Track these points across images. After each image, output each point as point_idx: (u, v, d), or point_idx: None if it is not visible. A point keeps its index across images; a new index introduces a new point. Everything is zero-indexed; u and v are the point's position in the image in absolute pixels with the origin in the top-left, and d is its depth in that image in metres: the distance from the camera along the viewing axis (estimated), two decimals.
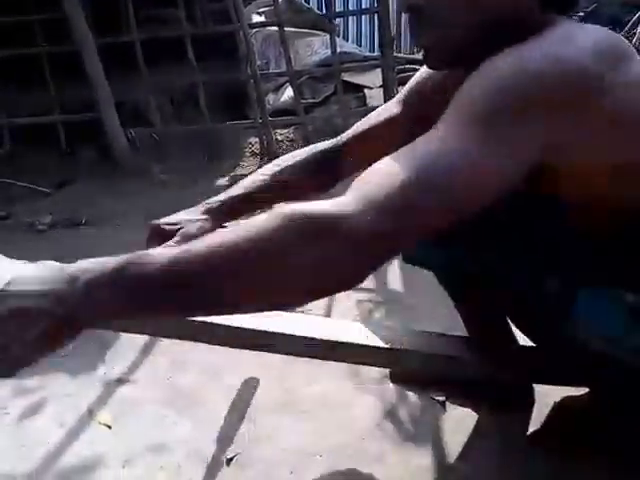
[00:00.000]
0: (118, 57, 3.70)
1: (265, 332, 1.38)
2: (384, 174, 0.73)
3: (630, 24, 3.94)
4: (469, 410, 1.47)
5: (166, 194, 3.38)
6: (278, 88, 4.31)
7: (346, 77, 4.04)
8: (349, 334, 1.46)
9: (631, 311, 0.93)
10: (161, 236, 1.21)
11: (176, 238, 1.19)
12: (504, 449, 1.34)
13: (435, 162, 0.73)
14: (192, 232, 1.20)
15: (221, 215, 1.27)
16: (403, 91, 1.30)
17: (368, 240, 0.69)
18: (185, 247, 0.71)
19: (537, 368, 1.41)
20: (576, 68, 0.77)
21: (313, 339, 1.39)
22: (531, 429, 1.40)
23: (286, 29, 3.87)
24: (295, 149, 3.64)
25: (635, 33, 3.81)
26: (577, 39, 0.81)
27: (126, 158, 3.75)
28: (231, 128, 3.81)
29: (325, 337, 1.40)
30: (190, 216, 1.26)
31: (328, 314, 1.99)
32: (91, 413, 1.60)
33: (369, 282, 2.20)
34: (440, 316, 1.71)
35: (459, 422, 1.44)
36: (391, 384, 1.58)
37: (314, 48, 4.35)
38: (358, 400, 1.53)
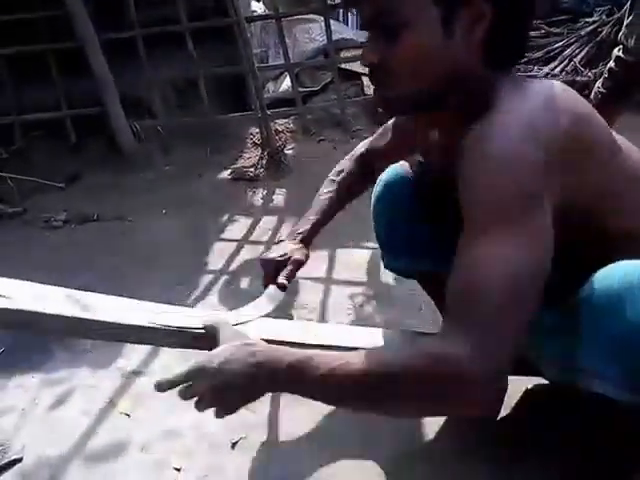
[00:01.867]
0: (120, 50, 3.82)
1: None
2: (482, 305, 0.87)
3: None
4: None
5: (172, 187, 3.52)
6: (277, 77, 4.41)
7: (344, 64, 4.14)
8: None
9: (546, 327, 1.06)
10: (274, 267, 1.45)
11: (290, 266, 1.44)
12: (477, 434, 1.49)
13: (510, 284, 0.87)
14: (300, 259, 1.46)
15: (311, 240, 1.53)
16: (385, 126, 1.53)
17: (493, 378, 0.87)
18: (345, 363, 0.93)
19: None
20: (545, 133, 0.92)
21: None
22: (502, 414, 1.50)
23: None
24: (294, 139, 3.80)
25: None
26: (529, 103, 0.95)
27: (132, 151, 3.88)
28: (232, 120, 3.93)
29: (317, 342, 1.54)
30: (290, 247, 1.48)
31: (322, 309, 2.17)
32: (112, 402, 1.79)
33: (361, 276, 2.38)
34: (429, 308, 1.86)
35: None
36: None
37: (312, 35, 4.43)
38: None
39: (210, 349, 1.06)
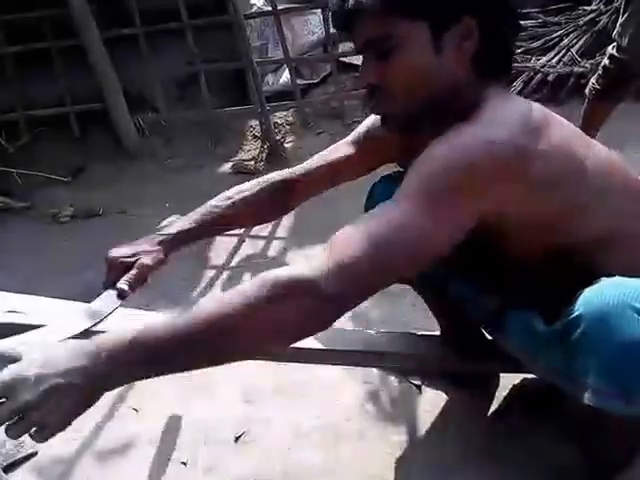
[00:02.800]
0: (122, 46, 3.88)
1: None
2: (354, 242, 0.94)
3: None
4: (442, 392, 1.69)
5: (174, 181, 3.59)
6: (277, 69, 4.44)
7: (342, 57, 4.18)
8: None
9: (541, 338, 1.13)
10: (120, 268, 1.37)
11: (134, 270, 1.35)
12: (470, 425, 1.58)
13: (392, 235, 0.95)
14: (148, 263, 1.37)
15: (172, 247, 1.44)
16: (356, 133, 1.49)
17: (336, 298, 0.92)
18: (186, 316, 0.91)
19: (502, 358, 1.62)
20: (500, 147, 0.96)
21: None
22: (493, 407, 1.62)
23: (283, 6, 4.04)
24: (294, 131, 3.86)
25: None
26: (503, 117, 1.01)
27: (135, 144, 3.96)
28: (232, 113, 3.99)
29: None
30: (144, 247, 1.40)
31: None
32: (121, 398, 1.88)
33: None
34: (421, 304, 1.94)
35: (433, 403, 1.66)
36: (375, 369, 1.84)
37: (311, 27, 4.47)
38: (345, 384, 1.77)
39: None
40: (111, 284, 1.36)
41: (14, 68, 3.93)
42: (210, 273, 2.60)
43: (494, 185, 0.98)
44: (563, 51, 4.15)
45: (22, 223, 3.35)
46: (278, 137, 3.79)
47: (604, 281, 1.00)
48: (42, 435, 0.85)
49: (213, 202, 1.50)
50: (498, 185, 0.98)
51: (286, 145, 3.80)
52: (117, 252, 1.38)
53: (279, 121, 4.05)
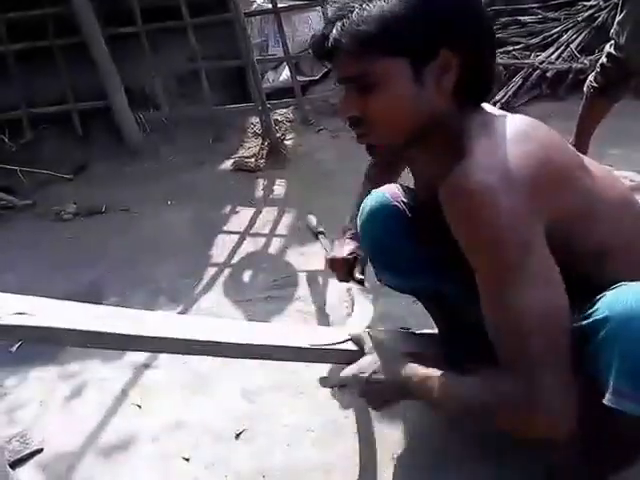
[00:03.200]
0: (124, 43, 3.90)
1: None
2: (536, 363, 1.02)
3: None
4: None
5: (176, 178, 3.62)
6: (277, 66, 4.46)
7: None
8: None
9: None
10: (344, 265, 1.71)
11: (358, 267, 1.70)
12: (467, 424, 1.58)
13: (544, 322, 1.01)
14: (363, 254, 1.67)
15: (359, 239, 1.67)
16: None
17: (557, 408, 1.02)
18: (468, 392, 1.14)
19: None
20: (517, 176, 1.00)
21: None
22: None
23: (283, 4, 4.05)
24: (294, 129, 3.87)
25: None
26: (503, 147, 1.04)
27: (136, 141, 3.97)
28: (233, 110, 4.02)
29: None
30: (350, 246, 1.72)
31: (323, 301, 2.28)
32: (124, 395, 1.92)
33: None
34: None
35: None
36: None
37: (311, 24, 4.48)
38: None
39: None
40: (346, 279, 1.73)
41: (17, 66, 3.93)
42: (212, 270, 2.63)
43: (534, 213, 1.02)
44: (562, 47, 4.15)
45: (25, 221, 3.37)
46: (278, 134, 3.80)
47: (626, 286, 1.03)
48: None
49: (364, 186, 1.70)
50: (536, 211, 1.03)
51: (286, 142, 3.82)
52: (338, 253, 1.73)
53: (279, 118, 4.06)
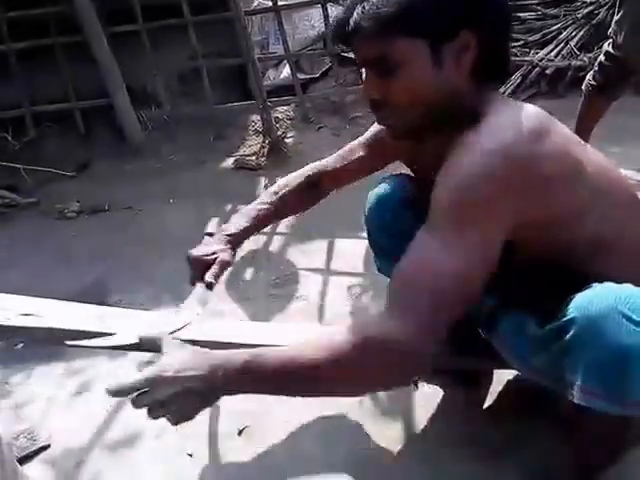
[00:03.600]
0: (125, 41, 3.94)
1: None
2: (415, 300, 1.05)
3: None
4: (437, 387, 1.77)
5: (177, 176, 3.66)
6: (278, 64, 4.49)
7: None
8: None
9: (532, 339, 1.19)
10: (203, 265, 1.51)
11: (216, 266, 1.50)
12: (465, 419, 1.66)
13: (445, 284, 1.04)
14: (227, 259, 1.52)
15: (238, 243, 1.58)
16: (367, 136, 1.61)
17: (417, 354, 1.04)
18: (292, 353, 1.08)
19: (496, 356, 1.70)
20: (514, 151, 1.03)
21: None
22: (488, 402, 1.70)
23: (283, 2, 4.08)
24: (294, 126, 3.90)
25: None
26: (509, 122, 1.06)
27: (138, 139, 4.01)
28: (234, 108, 4.05)
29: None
30: (218, 246, 1.53)
31: (322, 298, 2.32)
32: None
33: (358, 266, 2.52)
34: None
35: (428, 398, 1.74)
36: None
37: (312, 22, 4.51)
38: None
39: None
40: (198, 279, 1.50)
41: (20, 64, 3.96)
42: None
43: (517, 191, 1.04)
44: (561, 44, 4.19)
45: (29, 219, 3.40)
46: (279, 132, 3.84)
47: (596, 286, 1.05)
48: (172, 421, 1.11)
49: (263, 198, 1.64)
50: (520, 191, 1.05)
51: (287, 140, 3.86)
52: (197, 252, 1.53)
53: (280, 116, 4.10)
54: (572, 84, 3.91)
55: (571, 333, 1.04)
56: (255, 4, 4.51)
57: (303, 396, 1.19)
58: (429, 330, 1.04)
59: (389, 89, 1.14)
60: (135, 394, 1.08)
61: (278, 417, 1.75)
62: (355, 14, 1.10)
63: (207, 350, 1.15)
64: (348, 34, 1.13)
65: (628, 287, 1.04)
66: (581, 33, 4.20)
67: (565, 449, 1.42)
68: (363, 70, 1.20)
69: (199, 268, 1.51)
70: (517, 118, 1.08)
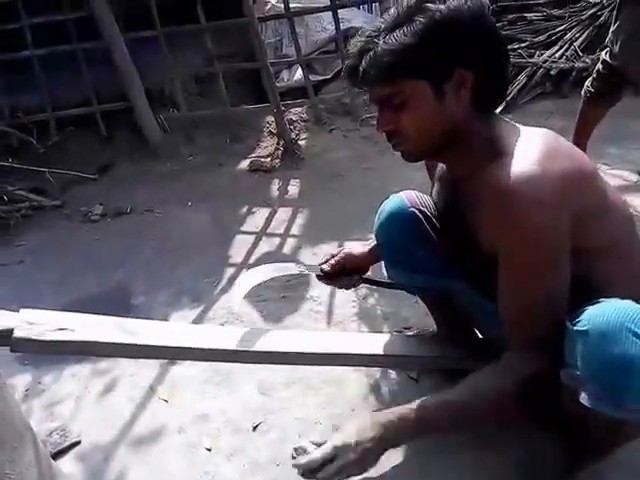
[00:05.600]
0: (144, 46, 4.07)
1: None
2: (535, 334, 1.28)
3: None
4: (436, 384, 1.89)
5: (195, 178, 3.81)
6: (292, 65, 4.61)
7: None
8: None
9: None
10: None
11: (337, 254, 1.82)
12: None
13: (542, 313, 1.27)
14: (352, 253, 1.83)
15: (378, 255, 1.81)
16: None
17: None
18: (449, 405, 1.33)
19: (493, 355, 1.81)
20: (548, 179, 1.18)
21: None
22: None
23: (295, 5, 4.18)
24: (307, 128, 4.02)
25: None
26: (530, 150, 1.23)
27: (157, 141, 4.16)
28: (250, 112, 4.18)
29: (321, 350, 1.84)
30: (356, 247, 1.86)
31: (331, 300, 2.45)
32: (152, 390, 2.11)
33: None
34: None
35: (430, 393, 1.84)
36: None
37: (324, 24, 4.61)
38: (351, 378, 1.99)
39: None
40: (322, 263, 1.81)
41: (43, 70, 4.11)
42: (230, 270, 2.81)
43: (564, 211, 1.21)
44: (566, 45, 4.26)
45: (56, 221, 3.56)
46: (293, 135, 3.97)
47: (607, 302, 1.20)
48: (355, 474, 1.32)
49: None
50: (566, 209, 1.21)
51: (300, 142, 3.99)
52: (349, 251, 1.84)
53: (294, 118, 4.22)
54: (575, 85, 3.98)
55: (585, 343, 1.18)
56: (268, 7, 4.63)
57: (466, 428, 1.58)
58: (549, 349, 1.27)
59: (399, 122, 1.30)
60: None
61: (289, 414, 1.90)
62: (363, 62, 1.26)
63: (380, 413, 1.39)
64: (360, 79, 1.29)
65: (633, 305, 1.18)
66: (585, 34, 4.26)
67: (547, 435, 1.57)
68: (377, 107, 1.36)
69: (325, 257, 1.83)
70: (533, 145, 1.26)
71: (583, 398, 1.19)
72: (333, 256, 1.85)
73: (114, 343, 1.47)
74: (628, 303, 1.17)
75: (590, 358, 1.17)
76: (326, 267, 1.83)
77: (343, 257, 1.83)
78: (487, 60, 1.26)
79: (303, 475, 1.31)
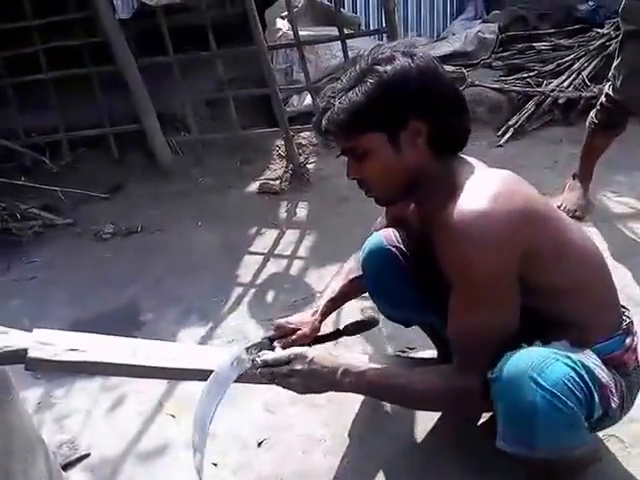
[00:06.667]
0: (156, 71, 4.17)
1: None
2: (476, 359, 1.35)
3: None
4: None
5: (205, 199, 3.87)
6: (302, 90, 4.69)
7: None
8: None
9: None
10: (283, 332, 1.73)
11: (294, 337, 1.71)
12: (464, 430, 1.83)
13: (476, 340, 1.34)
14: (307, 333, 1.74)
15: (325, 315, 1.83)
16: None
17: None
18: (402, 381, 1.46)
19: None
20: (498, 216, 1.27)
21: None
22: (482, 420, 1.84)
23: (306, 33, 4.28)
24: (316, 152, 4.07)
25: None
26: (481, 190, 1.31)
27: (168, 163, 4.24)
28: (260, 135, 4.26)
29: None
30: (303, 319, 1.79)
31: (337, 318, 2.49)
32: (160, 405, 2.15)
33: None
34: None
35: (427, 414, 1.90)
36: None
37: (334, 51, 4.70)
38: (353, 397, 1.96)
39: None
40: (273, 340, 1.72)
41: (56, 92, 4.20)
42: (238, 290, 2.86)
43: (510, 240, 1.29)
44: (574, 75, 4.34)
45: (67, 239, 3.62)
46: (301, 159, 4.04)
47: (521, 350, 1.28)
48: (297, 391, 1.53)
49: (340, 280, 1.91)
50: (512, 239, 1.29)
51: (309, 166, 4.06)
52: (284, 320, 1.79)
53: (303, 142, 4.30)
54: (583, 113, 3.98)
55: (496, 388, 1.29)
56: (280, 34, 4.73)
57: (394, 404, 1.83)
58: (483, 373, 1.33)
59: (363, 171, 1.42)
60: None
61: (293, 431, 1.94)
62: (323, 121, 1.40)
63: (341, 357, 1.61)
64: (322, 133, 1.43)
65: (543, 352, 1.26)
66: (593, 64, 4.34)
67: None
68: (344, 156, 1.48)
69: (280, 333, 1.74)
70: (486, 184, 1.34)
71: (499, 443, 1.31)
72: (287, 333, 1.76)
73: (125, 365, 1.52)
74: (538, 351, 1.27)
75: (500, 404, 1.29)
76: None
77: (298, 339, 1.73)
78: (438, 109, 1.37)
79: (256, 365, 1.53)
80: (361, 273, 1.82)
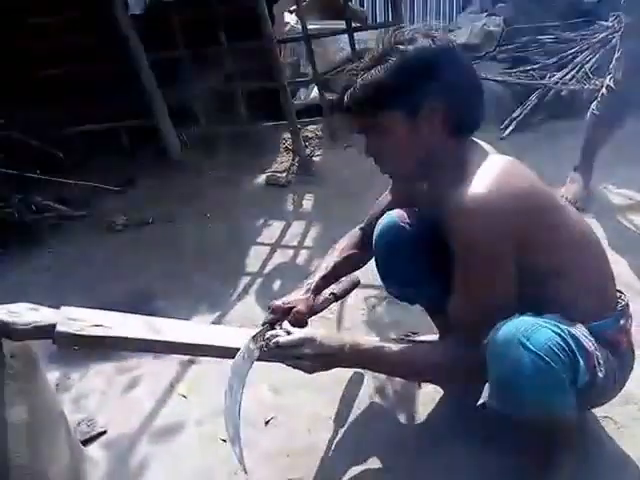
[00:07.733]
0: (167, 66, 4.25)
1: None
2: (473, 328, 1.40)
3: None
4: (438, 388, 2.02)
5: (214, 192, 3.97)
6: (309, 83, 4.75)
7: None
8: None
9: None
10: (280, 312, 1.75)
11: (290, 316, 1.75)
12: (462, 415, 1.89)
13: (477, 312, 1.42)
14: (303, 310, 1.77)
15: (317, 292, 1.85)
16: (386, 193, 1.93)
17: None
18: (405, 358, 1.52)
19: None
20: (502, 196, 1.35)
21: None
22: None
23: (313, 26, 4.35)
24: (323, 145, 4.15)
25: None
26: (490, 172, 1.39)
27: (179, 157, 4.35)
28: (267, 128, 4.35)
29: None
30: (298, 296, 1.80)
31: (342, 308, 2.59)
32: (172, 386, 2.26)
33: (375, 280, 2.76)
34: None
35: (431, 396, 2.01)
36: None
37: (340, 44, 4.76)
38: (359, 379, 2.13)
39: None
40: (273, 323, 1.74)
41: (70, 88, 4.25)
42: (246, 279, 2.95)
43: (512, 225, 1.37)
44: (577, 68, 4.39)
45: (81, 230, 3.74)
46: (308, 151, 4.12)
47: (513, 318, 1.35)
48: (308, 372, 1.55)
49: (330, 256, 1.95)
50: (514, 224, 1.37)
51: (315, 159, 4.15)
52: (279, 301, 1.79)
53: (310, 135, 4.38)
54: (586, 106, 4.09)
55: (488, 350, 1.36)
56: (287, 28, 4.81)
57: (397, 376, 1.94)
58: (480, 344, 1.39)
59: (379, 149, 1.49)
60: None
61: (299, 411, 2.04)
62: (345, 97, 1.46)
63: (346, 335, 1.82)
64: (344, 112, 1.49)
65: (531, 320, 1.34)
66: (596, 57, 4.39)
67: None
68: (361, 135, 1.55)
69: (277, 314, 1.76)
70: (494, 168, 1.41)
71: (490, 402, 1.38)
72: (284, 313, 1.78)
73: (148, 340, 1.62)
74: (528, 319, 1.34)
75: (491, 366, 1.36)
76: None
77: (296, 317, 1.77)
78: (456, 90, 1.43)
79: (268, 346, 1.55)
80: (354, 251, 1.91)
